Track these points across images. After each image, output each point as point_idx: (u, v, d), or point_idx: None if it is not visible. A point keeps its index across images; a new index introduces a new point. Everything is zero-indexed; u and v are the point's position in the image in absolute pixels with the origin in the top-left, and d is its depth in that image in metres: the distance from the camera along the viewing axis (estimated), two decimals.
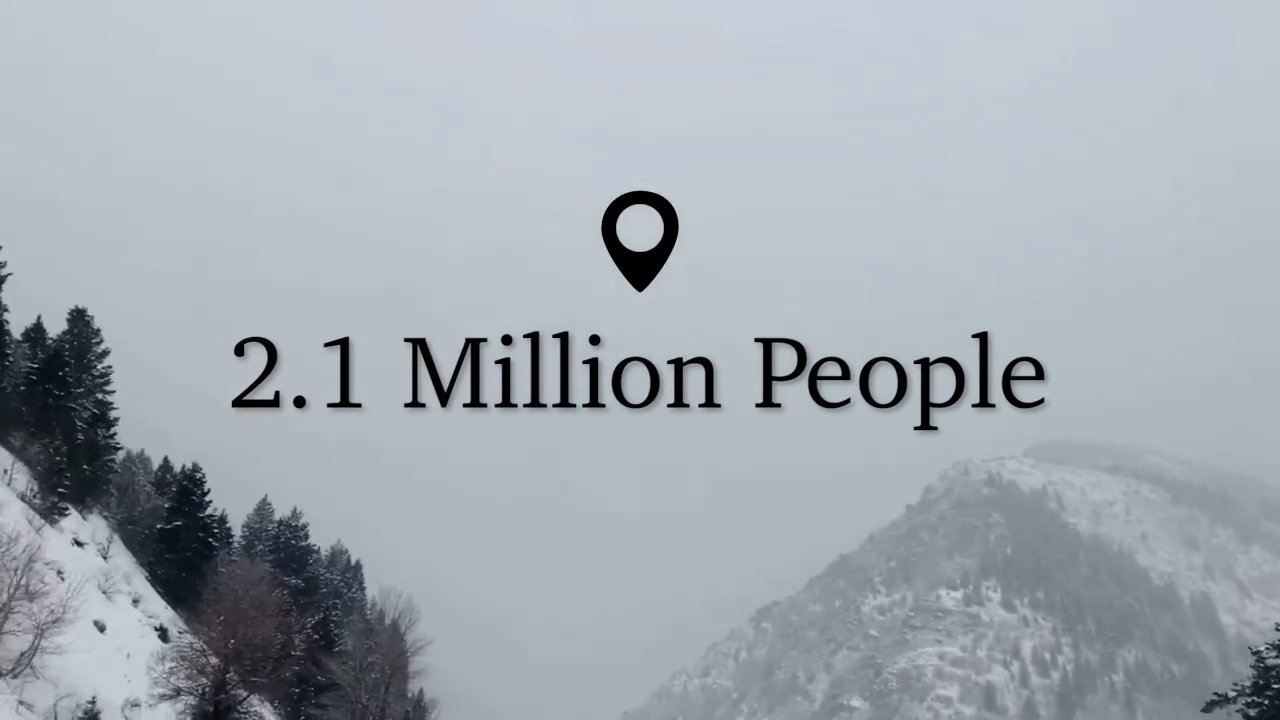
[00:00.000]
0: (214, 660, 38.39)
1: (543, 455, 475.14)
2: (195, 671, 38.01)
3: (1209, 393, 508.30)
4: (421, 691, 63.74)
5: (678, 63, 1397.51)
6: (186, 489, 58.18)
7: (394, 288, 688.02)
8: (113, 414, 58.70)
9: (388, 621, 55.03)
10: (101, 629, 43.45)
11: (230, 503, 70.95)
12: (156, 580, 54.01)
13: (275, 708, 57.61)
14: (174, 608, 52.10)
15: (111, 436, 58.49)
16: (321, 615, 63.50)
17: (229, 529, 65.82)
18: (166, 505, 59.72)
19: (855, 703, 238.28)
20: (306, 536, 71.72)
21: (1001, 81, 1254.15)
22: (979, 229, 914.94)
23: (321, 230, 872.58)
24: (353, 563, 79.38)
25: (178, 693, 37.65)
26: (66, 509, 50.67)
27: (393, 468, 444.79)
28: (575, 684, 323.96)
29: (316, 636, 60.48)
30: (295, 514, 71.94)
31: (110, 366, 59.13)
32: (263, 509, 72.98)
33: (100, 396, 58.86)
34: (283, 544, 69.76)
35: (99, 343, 59.22)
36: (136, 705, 38.83)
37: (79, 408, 55.64)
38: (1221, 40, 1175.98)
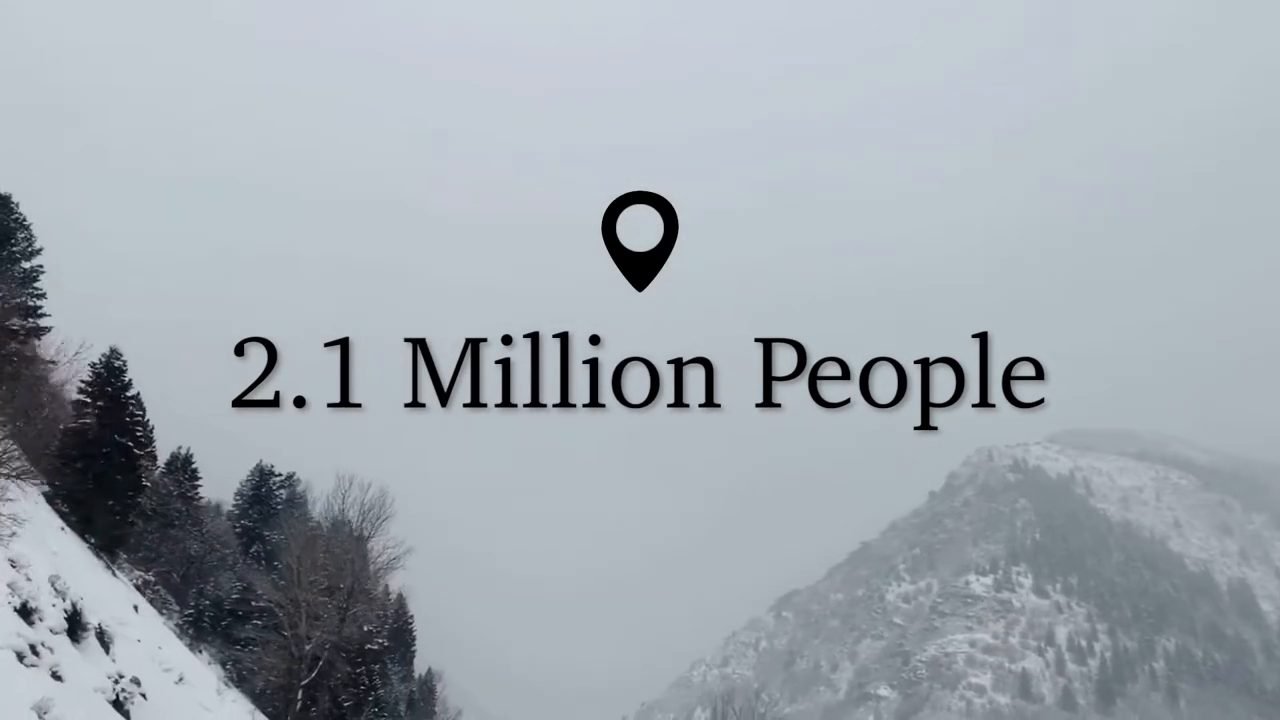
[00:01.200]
0: None
1: (543, 455, 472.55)
2: None
3: (1211, 389, 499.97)
4: (430, 670, 57.56)
5: (675, 61, 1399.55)
6: (102, 378, 44.31)
7: (394, 287, 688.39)
8: (42, 322, 47.75)
9: (354, 526, 40.45)
10: None
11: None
12: (58, 495, 40.06)
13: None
14: (71, 524, 38.02)
15: (10, 323, 48.89)
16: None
17: (194, 471, 53.67)
18: (74, 397, 44.88)
19: (883, 691, 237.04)
20: (290, 488, 61.59)
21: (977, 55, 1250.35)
22: (975, 215, 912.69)
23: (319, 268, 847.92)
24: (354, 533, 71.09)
25: None
26: None
27: (388, 472, 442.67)
28: (591, 680, 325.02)
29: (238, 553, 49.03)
30: (291, 476, 62.56)
31: (41, 267, 49.05)
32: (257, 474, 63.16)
33: (26, 300, 47.94)
34: (263, 493, 60.18)
35: (26, 238, 49.37)
36: None
37: None
38: None
